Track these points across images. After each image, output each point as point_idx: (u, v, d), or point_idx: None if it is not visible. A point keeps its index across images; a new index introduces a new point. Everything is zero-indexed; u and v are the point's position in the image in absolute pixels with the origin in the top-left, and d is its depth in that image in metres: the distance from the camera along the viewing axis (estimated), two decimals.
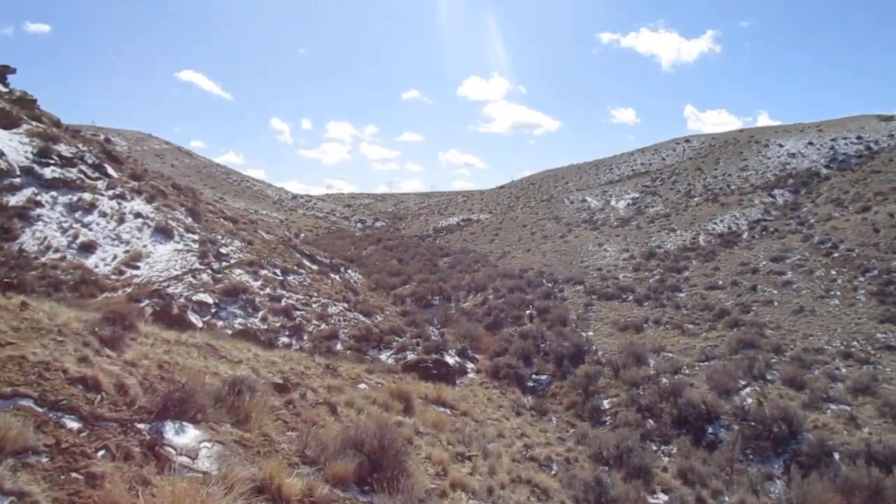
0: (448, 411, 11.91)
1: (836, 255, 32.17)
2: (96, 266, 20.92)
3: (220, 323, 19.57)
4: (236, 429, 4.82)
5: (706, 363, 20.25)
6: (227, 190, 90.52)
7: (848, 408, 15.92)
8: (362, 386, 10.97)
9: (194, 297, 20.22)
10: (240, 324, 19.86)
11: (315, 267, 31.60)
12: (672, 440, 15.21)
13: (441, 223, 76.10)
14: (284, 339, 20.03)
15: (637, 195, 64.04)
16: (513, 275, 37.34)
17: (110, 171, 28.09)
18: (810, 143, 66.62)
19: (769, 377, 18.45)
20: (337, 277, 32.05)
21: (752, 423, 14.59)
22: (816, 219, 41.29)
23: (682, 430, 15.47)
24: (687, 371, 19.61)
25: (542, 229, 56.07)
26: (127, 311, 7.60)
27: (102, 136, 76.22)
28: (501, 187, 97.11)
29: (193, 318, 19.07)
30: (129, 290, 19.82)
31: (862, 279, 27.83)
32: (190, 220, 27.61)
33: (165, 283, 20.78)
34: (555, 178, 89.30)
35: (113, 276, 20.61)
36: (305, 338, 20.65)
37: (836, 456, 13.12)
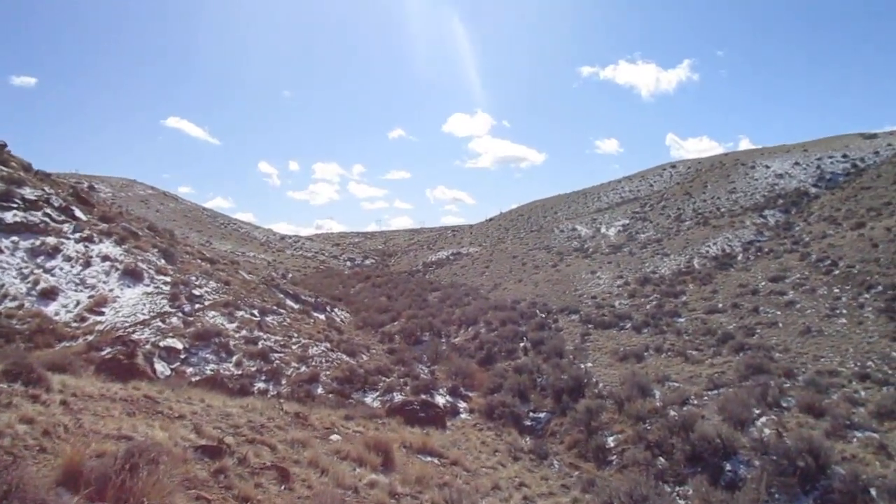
0: (436, 461, 10.50)
1: (836, 272, 31.13)
2: (56, 314, 19.44)
3: (189, 369, 18.05)
4: None
5: (715, 391, 18.86)
6: (213, 233, 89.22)
7: (875, 435, 14.54)
8: (335, 437, 9.54)
9: (162, 343, 18.72)
10: (211, 369, 18.34)
11: (297, 306, 30.14)
12: (687, 480, 13.71)
13: (430, 258, 74.90)
14: (260, 385, 18.51)
15: (627, 221, 63.30)
16: (505, 306, 35.96)
17: (78, 213, 26.78)
18: (797, 164, 66.48)
19: (784, 404, 17.09)
20: (321, 316, 30.58)
21: (774, 458, 13.18)
22: (811, 237, 40.43)
23: (698, 469, 13.98)
24: (695, 401, 18.19)
25: (533, 259, 54.95)
26: (35, 361, 6.26)
27: (86, 184, 75.25)
28: (490, 220, 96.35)
29: (160, 366, 17.57)
30: (90, 337, 18.32)
31: (867, 296, 26.71)
32: (163, 261, 26.20)
33: (131, 329, 19.29)
34: (543, 209, 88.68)
35: (74, 324, 19.11)
36: (283, 382, 19.12)
37: (874, 492, 11.71)
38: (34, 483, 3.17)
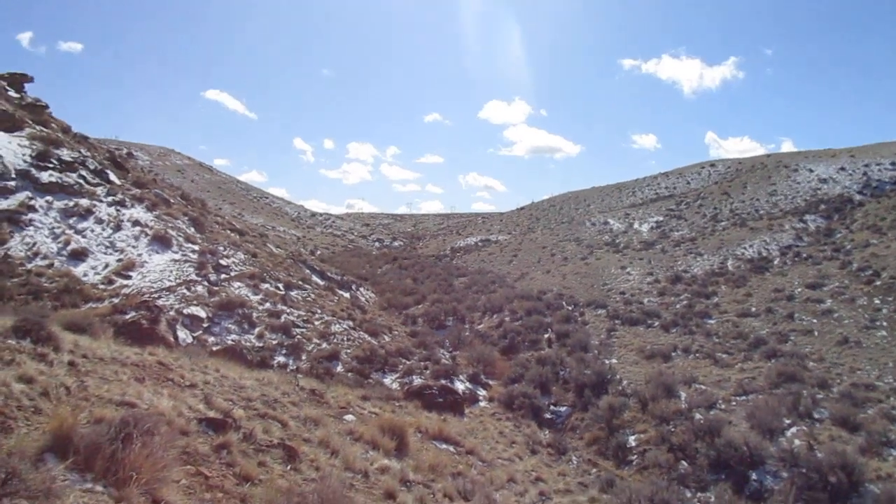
0: (451, 449, 10.22)
1: (878, 283, 29.95)
2: (85, 275, 19.63)
3: (211, 338, 18.07)
4: (109, 492, 3.22)
5: (744, 397, 18.23)
6: (245, 206, 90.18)
7: None
8: (349, 417, 9.31)
9: (185, 311, 18.77)
10: (233, 340, 18.34)
11: (323, 283, 30.12)
12: (710, 487, 13.22)
13: (459, 243, 74.53)
14: (280, 359, 18.45)
15: (661, 218, 62.04)
16: (531, 296, 35.50)
17: (112, 177, 27.04)
18: (842, 169, 64.24)
19: (816, 416, 16.40)
20: (346, 294, 30.52)
21: (804, 470, 12.61)
22: (853, 245, 38.99)
23: (721, 476, 13.47)
24: (723, 406, 17.60)
25: (563, 251, 54.21)
26: (48, 318, 6.10)
27: (125, 150, 76.67)
28: (521, 209, 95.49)
29: (182, 333, 17.61)
30: (115, 300, 18.45)
31: None
32: (192, 230, 26.34)
33: (156, 295, 19.38)
34: (576, 200, 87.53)
35: (101, 286, 19.26)
36: (304, 357, 19.04)
37: None
38: (6, 448, 2.94)
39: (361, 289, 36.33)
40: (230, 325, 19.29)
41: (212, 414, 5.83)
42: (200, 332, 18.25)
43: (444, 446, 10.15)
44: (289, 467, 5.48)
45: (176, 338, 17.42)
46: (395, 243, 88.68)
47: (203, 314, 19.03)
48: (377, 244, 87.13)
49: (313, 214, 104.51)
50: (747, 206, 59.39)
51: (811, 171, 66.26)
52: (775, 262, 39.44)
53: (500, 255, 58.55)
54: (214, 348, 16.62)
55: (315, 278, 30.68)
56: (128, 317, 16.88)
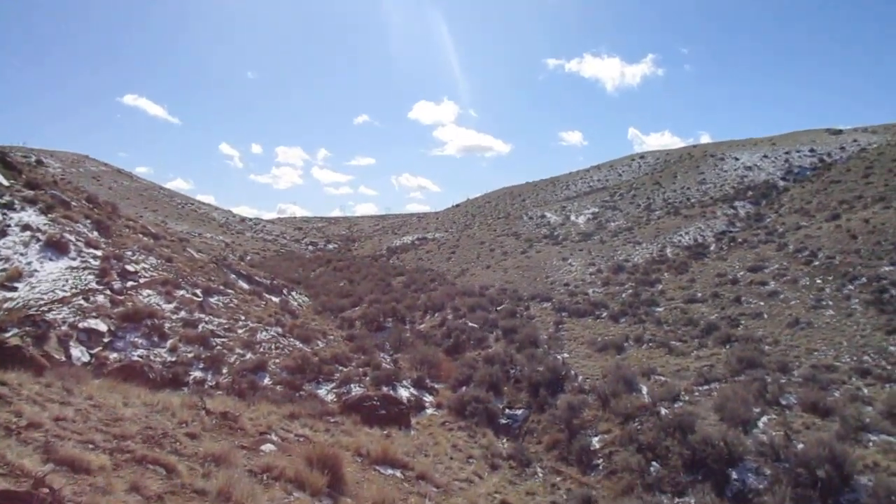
0: (398, 474, 8.41)
1: (816, 263, 30.01)
2: None
3: (113, 355, 15.52)
4: None
5: (706, 387, 17.18)
6: (169, 213, 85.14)
7: (893, 439, 12.98)
8: (268, 447, 7.31)
9: (82, 324, 16.10)
10: (140, 355, 15.83)
11: (249, 287, 27.58)
12: (687, 490, 11.92)
13: (395, 243, 72.64)
14: (197, 374, 16.07)
15: (597, 210, 62.13)
16: (473, 292, 34.03)
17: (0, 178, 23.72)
18: (765, 157, 66.22)
19: (784, 402, 15.47)
20: (275, 299, 28.07)
21: (788, 466, 11.46)
22: (785, 228, 39.51)
23: (699, 476, 12.19)
24: (686, 397, 16.45)
25: (502, 246, 53.17)
26: None
27: (34, 157, 70.80)
28: (457, 206, 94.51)
29: (76, 350, 15.02)
30: None
31: (851, 287, 25.55)
32: (95, 234, 23.36)
33: (46, 308, 16.61)
34: (511, 196, 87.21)
35: None
36: (224, 370, 16.70)
37: None
38: None
39: (293, 293, 33.89)
40: (137, 339, 16.74)
41: (23, 484, 3.77)
42: (100, 348, 15.67)
43: (389, 472, 8.34)
44: None
45: (69, 356, 14.87)
46: (330, 246, 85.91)
47: (104, 327, 16.41)
48: (310, 248, 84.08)
49: (243, 220, 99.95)
50: (679, 195, 60.15)
51: (737, 159, 68.00)
52: (712, 248, 39.53)
53: (439, 253, 57.04)
54: (114, 366, 14.16)
55: (241, 283, 28.12)
56: (9, 335, 14.25)
